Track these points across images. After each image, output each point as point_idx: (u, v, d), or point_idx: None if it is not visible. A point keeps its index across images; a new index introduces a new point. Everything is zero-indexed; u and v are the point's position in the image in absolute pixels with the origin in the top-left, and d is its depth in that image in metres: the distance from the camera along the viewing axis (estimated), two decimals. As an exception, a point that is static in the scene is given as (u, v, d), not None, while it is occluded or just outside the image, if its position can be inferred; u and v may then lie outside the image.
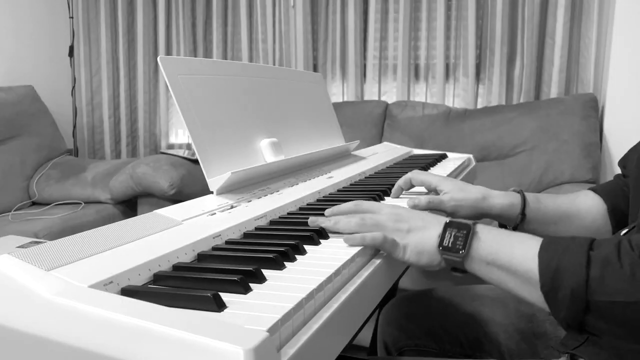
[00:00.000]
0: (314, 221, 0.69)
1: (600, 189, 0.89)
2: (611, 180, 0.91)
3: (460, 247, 0.60)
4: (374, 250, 0.63)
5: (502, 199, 0.83)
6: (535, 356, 0.86)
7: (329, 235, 0.67)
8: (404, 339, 0.97)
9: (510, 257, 0.58)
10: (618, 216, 0.85)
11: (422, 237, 0.63)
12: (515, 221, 0.83)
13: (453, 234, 0.61)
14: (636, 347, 0.63)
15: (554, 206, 0.85)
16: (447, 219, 0.64)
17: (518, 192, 0.84)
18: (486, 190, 0.83)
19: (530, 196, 0.84)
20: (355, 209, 0.69)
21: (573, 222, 0.86)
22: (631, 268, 0.50)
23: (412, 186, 0.91)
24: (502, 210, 0.82)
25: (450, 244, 0.61)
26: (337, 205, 0.71)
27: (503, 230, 0.62)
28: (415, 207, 0.80)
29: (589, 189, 0.90)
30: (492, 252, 0.59)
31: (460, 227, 0.62)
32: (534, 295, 0.56)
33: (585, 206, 0.87)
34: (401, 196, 0.91)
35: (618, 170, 0.92)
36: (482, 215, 0.84)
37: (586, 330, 0.54)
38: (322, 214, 0.75)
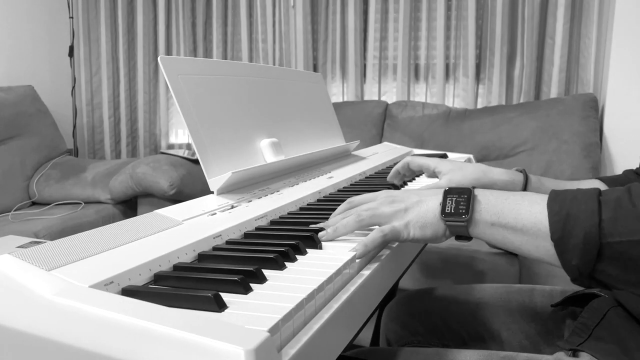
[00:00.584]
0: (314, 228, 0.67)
1: (608, 180, 0.88)
2: (619, 174, 0.90)
3: (463, 211, 0.59)
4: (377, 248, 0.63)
5: (504, 175, 0.82)
6: (538, 353, 0.86)
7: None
8: (406, 335, 0.97)
9: (516, 213, 0.57)
10: None
11: (421, 210, 0.62)
12: None
13: (454, 199, 0.61)
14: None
15: (556, 187, 0.85)
16: (446, 187, 0.63)
17: (520, 172, 0.84)
18: (486, 167, 0.83)
19: (532, 176, 0.84)
20: (349, 206, 0.68)
21: None
22: None
23: (411, 172, 0.91)
24: (504, 186, 0.82)
25: (452, 210, 0.60)
26: (332, 215, 0.69)
27: (501, 191, 0.61)
28: None
29: (597, 177, 0.89)
30: (497, 212, 0.58)
31: (461, 192, 0.61)
32: (543, 249, 0.55)
33: None
34: None
35: (619, 171, 0.92)
36: None
37: (596, 279, 0.53)
38: (323, 214, 0.76)
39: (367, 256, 0.61)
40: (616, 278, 0.52)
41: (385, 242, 0.62)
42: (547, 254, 0.55)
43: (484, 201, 0.60)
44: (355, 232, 0.67)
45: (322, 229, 0.66)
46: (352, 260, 0.57)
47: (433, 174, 0.86)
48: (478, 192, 0.61)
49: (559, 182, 0.87)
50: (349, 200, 0.69)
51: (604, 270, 0.51)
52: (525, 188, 0.82)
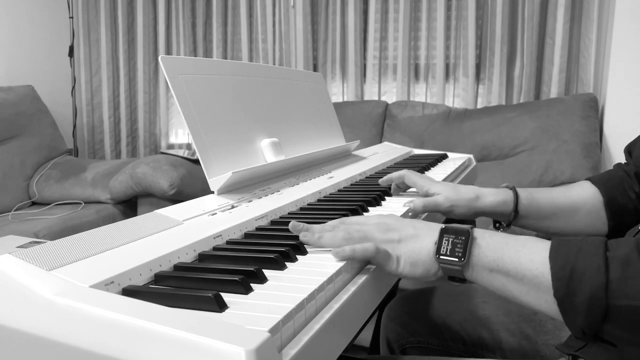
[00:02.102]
0: (295, 227, 0.64)
1: (597, 180, 0.87)
2: (610, 169, 0.89)
3: (460, 254, 0.56)
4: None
5: (495, 196, 0.83)
6: (536, 354, 0.86)
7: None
8: (406, 336, 0.97)
9: (517, 262, 0.54)
10: (614, 208, 0.84)
11: (415, 246, 0.59)
12: (509, 218, 0.84)
13: (451, 240, 0.57)
14: None
15: (547, 201, 0.85)
16: (442, 225, 0.60)
17: (510, 189, 0.84)
18: (478, 190, 0.83)
19: (522, 192, 0.84)
20: (339, 223, 0.65)
21: (567, 216, 0.85)
22: None
23: (405, 186, 0.91)
24: (496, 208, 0.83)
25: (448, 252, 0.57)
26: (322, 224, 0.66)
27: (503, 234, 0.58)
28: (411, 211, 0.80)
29: (586, 178, 0.90)
30: (496, 259, 0.55)
31: (458, 233, 0.57)
32: (544, 302, 0.52)
33: (580, 199, 0.86)
34: (400, 195, 0.92)
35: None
36: (477, 214, 0.84)
37: (602, 338, 0.50)
38: (323, 214, 0.76)
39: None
40: (622, 339, 0.49)
41: (372, 259, 0.59)
42: (549, 308, 0.52)
43: (483, 245, 0.57)
44: None
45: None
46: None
47: (426, 195, 0.85)
48: (477, 234, 0.58)
49: (550, 190, 0.87)
50: (341, 219, 0.66)
51: (611, 332, 0.49)
52: (516, 205, 0.82)
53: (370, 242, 0.59)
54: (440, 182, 0.86)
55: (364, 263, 0.60)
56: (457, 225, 0.59)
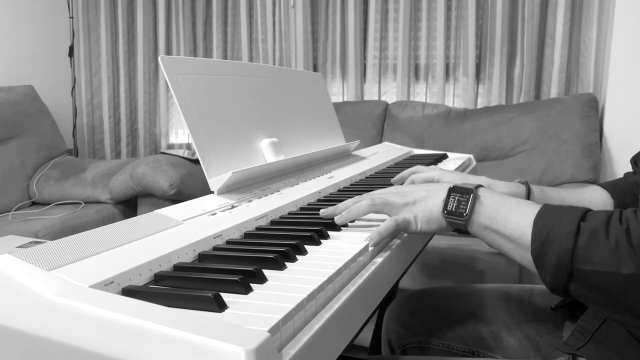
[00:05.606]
0: (325, 212, 0.73)
1: (608, 186, 0.88)
2: (620, 177, 0.91)
3: (464, 210, 0.63)
4: (376, 249, 0.63)
5: (506, 188, 0.83)
6: (537, 354, 0.86)
7: (330, 235, 0.67)
8: (407, 336, 0.97)
9: (507, 222, 0.61)
10: None
11: (427, 204, 0.67)
12: None
13: (457, 198, 0.64)
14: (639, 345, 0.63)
15: (559, 198, 0.86)
16: (451, 185, 0.66)
17: (523, 184, 0.85)
18: (489, 180, 0.84)
19: (535, 187, 0.85)
20: (360, 199, 0.73)
21: None
22: (616, 240, 0.52)
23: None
24: None
25: (453, 208, 0.64)
26: (345, 201, 0.74)
27: (503, 196, 0.64)
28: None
29: (599, 184, 0.90)
30: (491, 217, 0.62)
31: (464, 191, 0.64)
32: (525, 259, 0.59)
33: (591, 201, 0.87)
34: None
35: (619, 171, 0.92)
36: None
37: (570, 294, 0.56)
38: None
39: (368, 256, 0.61)
40: (586, 297, 0.56)
41: (397, 232, 0.66)
42: (529, 264, 0.59)
43: (485, 202, 0.63)
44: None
45: (331, 221, 0.70)
46: (353, 260, 0.57)
47: None
48: (482, 193, 0.64)
49: (562, 190, 0.88)
50: (362, 195, 0.74)
51: (575, 290, 0.55)
52: (528, 198, 0.83)
53: (391, 207, 0.68)
54: (451, 173, 0.86)
55: (367, 259, 0.61)
56: (464, 184, 0.66)
